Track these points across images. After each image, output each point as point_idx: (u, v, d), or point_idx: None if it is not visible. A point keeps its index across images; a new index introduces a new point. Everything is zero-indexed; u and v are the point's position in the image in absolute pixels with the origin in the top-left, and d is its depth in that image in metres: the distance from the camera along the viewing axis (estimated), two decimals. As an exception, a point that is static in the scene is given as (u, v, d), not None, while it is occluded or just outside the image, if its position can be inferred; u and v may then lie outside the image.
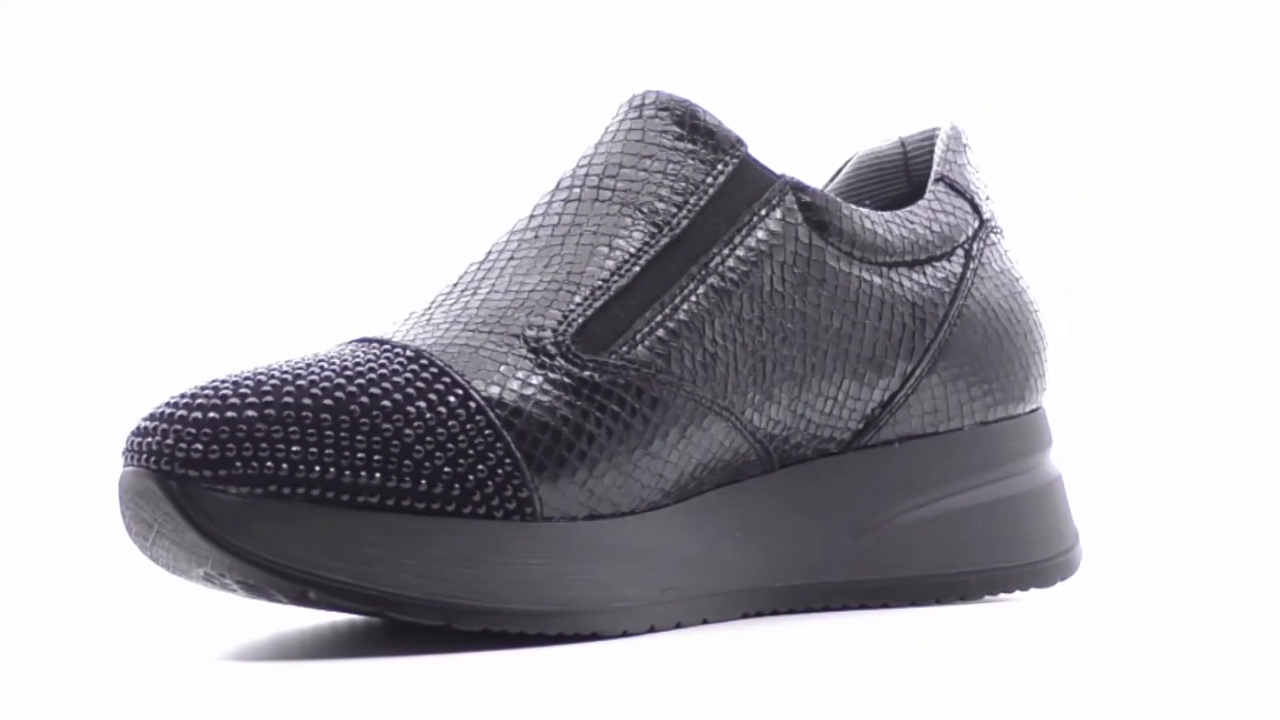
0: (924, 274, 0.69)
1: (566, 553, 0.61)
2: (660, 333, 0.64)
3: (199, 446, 0.58)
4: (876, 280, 0.68)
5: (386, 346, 0.62)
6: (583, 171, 0.67)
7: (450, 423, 0.60)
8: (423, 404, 0.60)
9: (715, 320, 0.65)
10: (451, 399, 0.60)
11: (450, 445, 0.60)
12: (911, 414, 0.69)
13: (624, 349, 0.63)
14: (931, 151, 0.74)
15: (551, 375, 0.62)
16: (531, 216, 0.67)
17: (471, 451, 0.60)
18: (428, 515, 0.59)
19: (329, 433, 0.59)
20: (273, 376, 0.59)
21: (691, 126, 0.67)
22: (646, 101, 0.68)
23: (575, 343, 0.63)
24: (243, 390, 0.59)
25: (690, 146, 0.67)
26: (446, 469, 0.59)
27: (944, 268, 0.70)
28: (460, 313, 0.64)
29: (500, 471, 0.60)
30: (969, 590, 0.70)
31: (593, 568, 0.61)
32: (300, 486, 0.58)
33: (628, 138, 0.67)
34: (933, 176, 0.72)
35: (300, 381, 0.59)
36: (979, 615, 0.68)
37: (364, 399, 0.59)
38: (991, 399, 0.70)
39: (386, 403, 0.59)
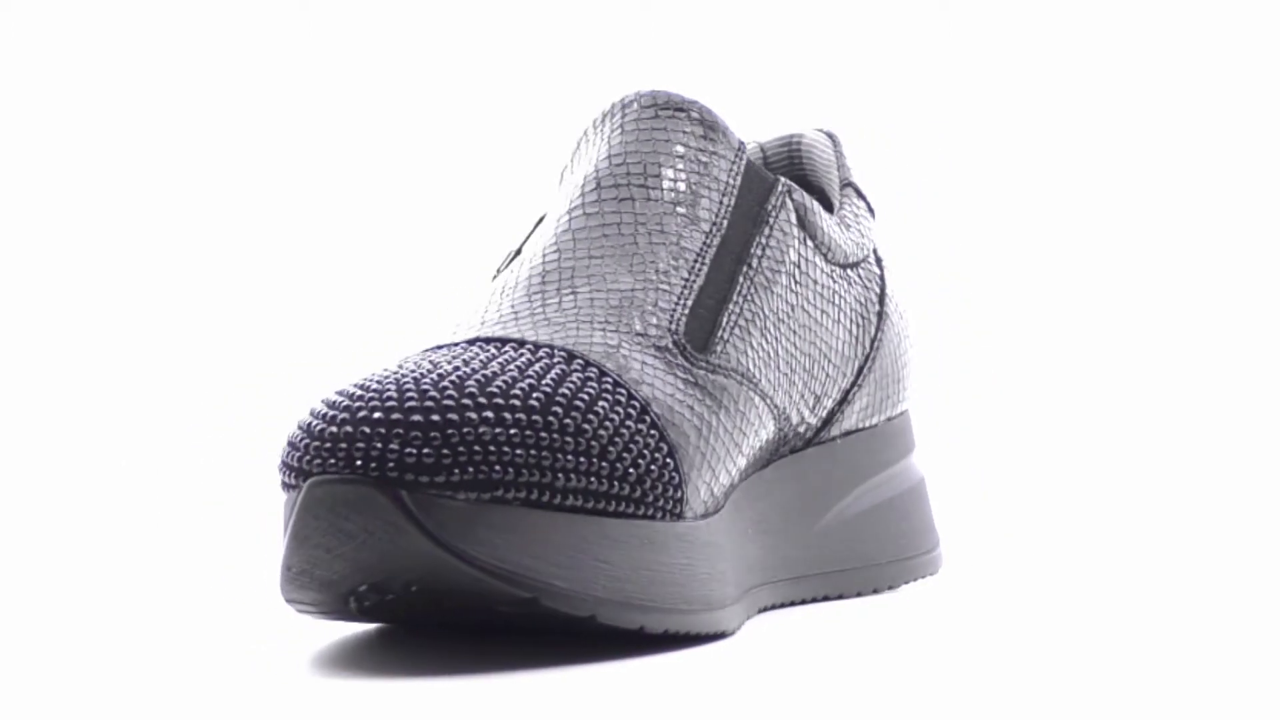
0: (860, 276, 0.72)
1: (702, 551, 0.61)
2: (736, 332, 0.65)
3: (428, 452, 0.55)
4: (840, 281, 0.70)
5: (529, 345, 0.61)
6: (622, 170, 0.66)
7: (629, 423, 0.59)
8: (604, 404, 0.59)
9: (763, 319, 0.66)
10: (622, 398, 0.60)
11: (632, 446, 0.59)
12: (854, 410, 0.72)
13: (718, 348, 0.64)
14: (790, 157, 0.76)
15: (679, 374, 0.62)
16: (584, 214, 0.65)
17: (646, 452, 0.59)
18: (618, 517, 0.59)
19: (543, 435, 0.57)
20: (468, 378, 0.57)
21: (709, 126, 0.68)
22: (659, 101, 0.68)
23: (687, 342, 0.63)
24: (453, 393, 0.56)
25: (712, 147, 0.67)
26: (631, 470, 0.59)
27: (869, 269, 0.73)
28: (576, 311, 0.62)
29: (665, 473, 0.60)
30: (894, 579, 0.73)
31: (714, 565, 0.62)
32: (520, 490, 0.56)
33: (654, 137, 0.67)
34: (840, 181, 0.75)
35: (499, 382, 0.57)
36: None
37: (560, 401, 0.58)
38: (896, 397, 0.74)
39: (579, 403, 0.58)
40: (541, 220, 0.69)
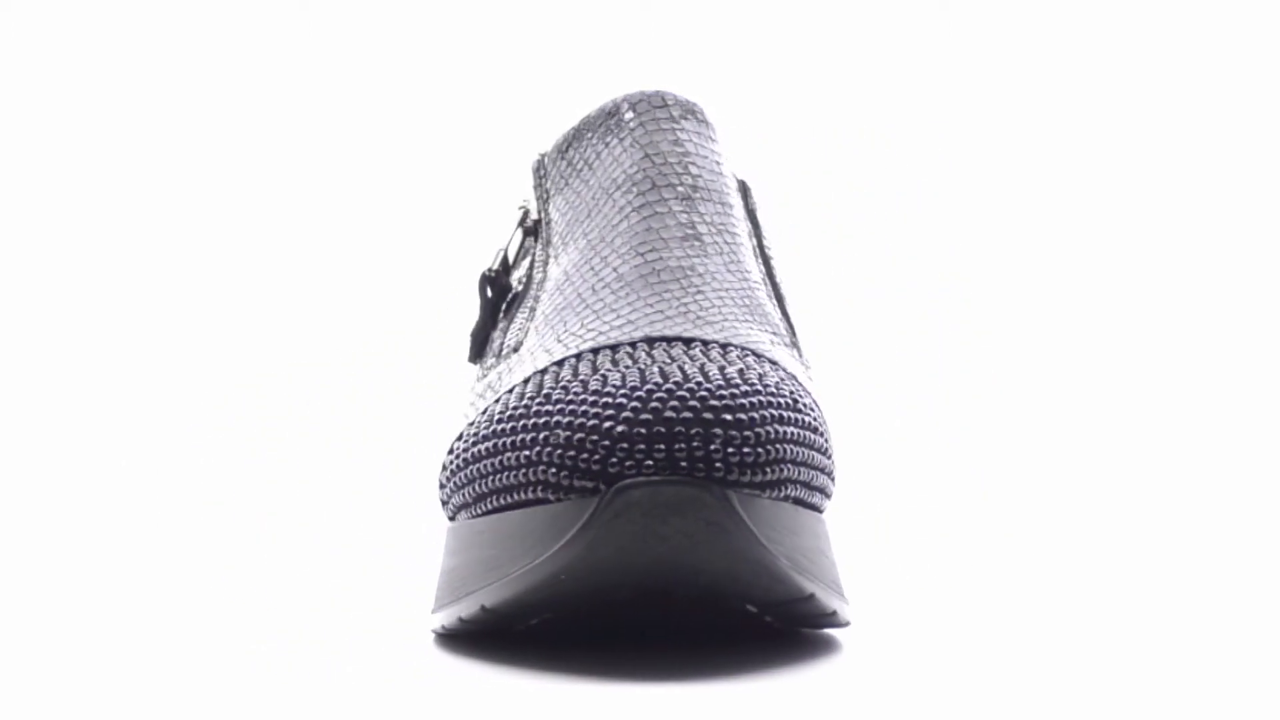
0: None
1: None
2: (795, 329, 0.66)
3: (748, 451, 0.55)
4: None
5: (714, 345, 0.60)
6: (669, 169, 0.66)
7: (826, 423, 0.60)
8: (810, 401, 0.59)
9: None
10: (813, 399, 0.60)
11: (831, 443, 0.60)
12: None
13: (801, 345, 0.65)
14: None
15: (809, 374, 0.63)
16: (655, 214, 0.65)
17: (831, 448, 0.60)
18: (820, 513, 0.59)
19: (808, 434, 0.57)
20: (746, 378, 0.56)
21: (712, 126, 0.68)
22: (669, 101, 0.68)
23: (794, 341, 0.64)
24: (756, 394, 0.56)
25: (720, 148, 0.68)
26: (832, 467, 0.59)
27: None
28: (720, 309, 0.62)
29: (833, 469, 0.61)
30: None
31: None
32: (795, 489, 0.57)
33: (679, 137, 0.67)
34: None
35: (766, 383, 0.57)
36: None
37: (802, 401, 0.58)
38: None
39: (806, 402, 0.58)
40: (526, 215, 0.69)
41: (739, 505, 0.54)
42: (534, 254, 0.68)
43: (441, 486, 0.62)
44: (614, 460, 0.54)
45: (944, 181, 1.16)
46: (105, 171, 1.17)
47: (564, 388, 0.57)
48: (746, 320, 0.62)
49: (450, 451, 0.61)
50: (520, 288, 0.68)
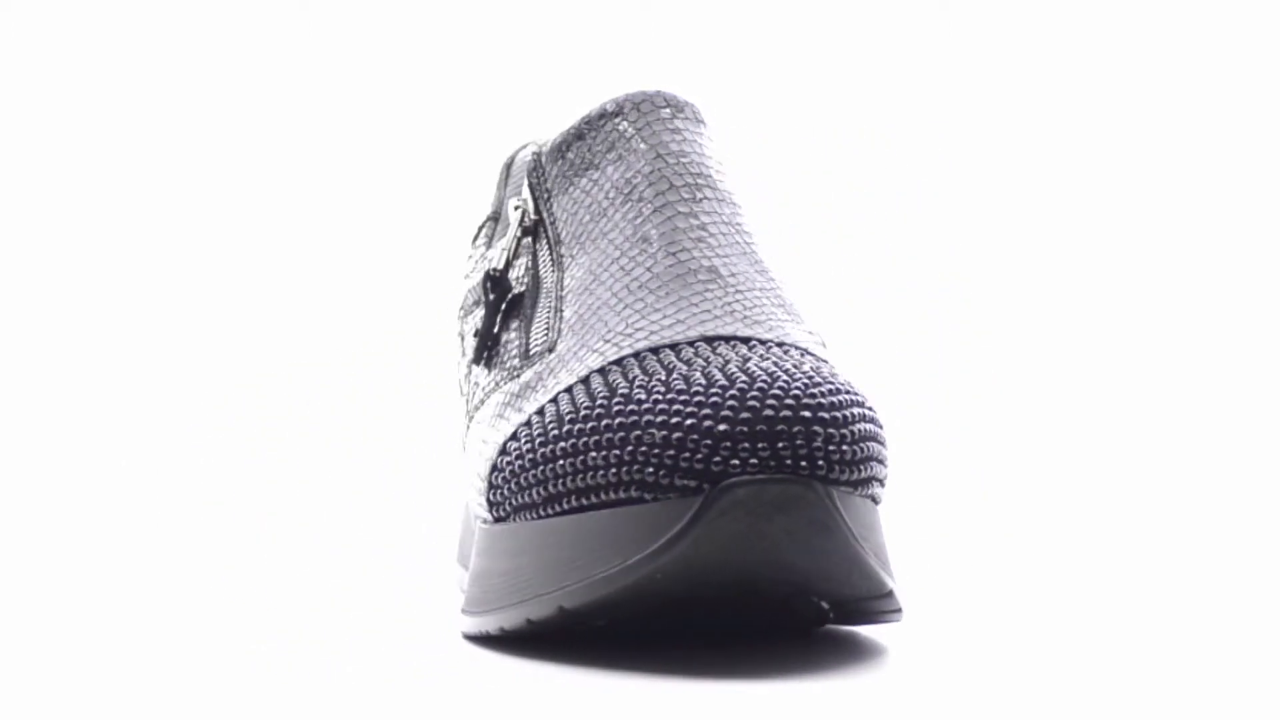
0: None
1: None
2: None
3: (846, 449, 0.55)
4: None
5: (771, 344, 0.60)
6: (685, 169, 0.66)
7: None
8: (865, 396, 0.60)
9: None
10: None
11: None
12: None
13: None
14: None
15: None
16: (677, 213, 0.65)
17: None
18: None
19: (880, 431, 0.58)
20: (814, 380, 0.56)
21: (706, 125, 0.68)
22: (670, 102, 0.68)
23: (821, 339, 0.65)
24: (847, 393, 0.57)
25: (717, 148, 0.68)
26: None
27: None
28: (764, 308, 0.62)
29: None
30: None
31: None
32: (877, 486, 0.57)
33: (685, 137, 0.67)
34: None
35: (840, 381, 0.57)
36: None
37: (866, 399, 0.58)
38: None
39: (870, 400, 0.59)
40: (525, 215, 0.69)
41: (839, 502, 0.54)
42: (536, 253, 0.68)
43: (493, 488, 0.61)
44: (717, 459, 0.54)
45: (944, 181, 1.16)
46: (105, 171, 1.17)
47: (643, 387, 0.57)
48: (786, 319, 0.62)
49: (505, 453, 0.60)
50: (522, 288, 0.68)
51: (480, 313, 0.69)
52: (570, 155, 0.68)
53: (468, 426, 0.68)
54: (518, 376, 0.64)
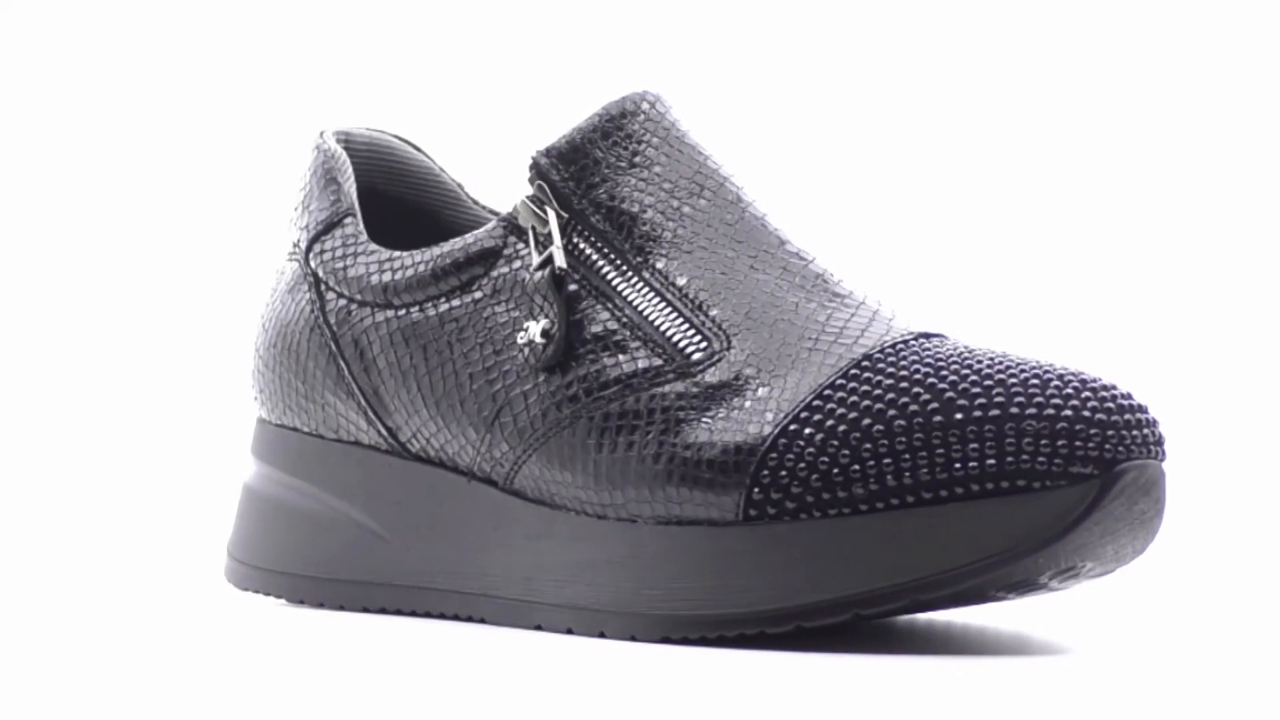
0: None
1: None
2: None
3: (1161, 435, 0.61)
4: None
5: (920, 335, 0.63)
6: (720, 171, 0.67)
7: None
8: None
9: None
10: None
11: None
12: None
13: None
14: None
15: None
16: (751, 214, 0.67)
17: None
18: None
19: None
20: (1029, 371, 0.60)
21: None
22: (667, 101, 0.69)
23: None
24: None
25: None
26: None
27: None
28: (888, 306, 0.66)
29: None
30: None
31: None
32: None
33: (697, 140, 0.68)
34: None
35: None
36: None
37: None
38: None
39: None
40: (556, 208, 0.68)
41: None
42: (590, 244, 0.67)
43: (760, 486, 0.60)
44: (1108, 445, 0.58)
45: (944, 181, 1.16)
46: (103, 172, 1.18)
47: (979, 376, 0.59)
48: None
49: (783, 450, 0.60)
50: (581, 280, 0.66)
51: (544, 322, 0.65)
52: (597, 153, 0.67)
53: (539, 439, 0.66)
54: (688, 376, 0.63)
